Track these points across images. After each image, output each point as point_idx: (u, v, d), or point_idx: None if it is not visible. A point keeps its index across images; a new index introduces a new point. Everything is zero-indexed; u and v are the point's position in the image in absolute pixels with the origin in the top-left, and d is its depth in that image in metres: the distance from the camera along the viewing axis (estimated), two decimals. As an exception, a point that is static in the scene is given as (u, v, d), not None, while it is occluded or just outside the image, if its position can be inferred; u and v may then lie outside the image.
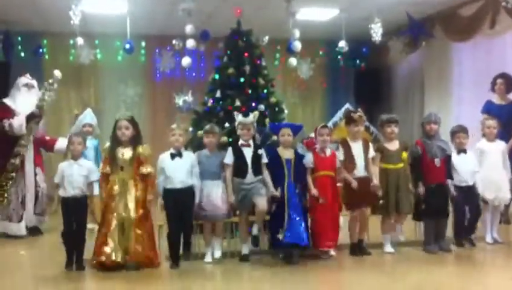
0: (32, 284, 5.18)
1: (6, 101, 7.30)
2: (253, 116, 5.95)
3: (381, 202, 5.99)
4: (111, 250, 5.41)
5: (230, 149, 5.89)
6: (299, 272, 5.46)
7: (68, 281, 5.17)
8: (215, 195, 5.72)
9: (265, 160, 5.86)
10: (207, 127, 5.97)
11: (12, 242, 6.94)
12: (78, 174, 5.53)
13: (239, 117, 5.95)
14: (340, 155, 5.98)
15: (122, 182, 5.55)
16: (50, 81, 7.28)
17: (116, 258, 5.41)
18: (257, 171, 5.82)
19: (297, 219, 5.68)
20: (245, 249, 5.87)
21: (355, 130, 6.06)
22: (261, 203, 5.70)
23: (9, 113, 7.14)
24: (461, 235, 6.36)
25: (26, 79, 7.43)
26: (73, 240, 5.48)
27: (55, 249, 5.57)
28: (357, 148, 6.01)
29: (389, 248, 6.09)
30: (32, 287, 5.12)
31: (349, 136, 6.12)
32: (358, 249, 6.00)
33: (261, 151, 5.88)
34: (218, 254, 5.83)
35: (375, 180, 5.92)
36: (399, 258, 5.96)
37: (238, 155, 5.82)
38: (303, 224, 5.69)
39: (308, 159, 5.92)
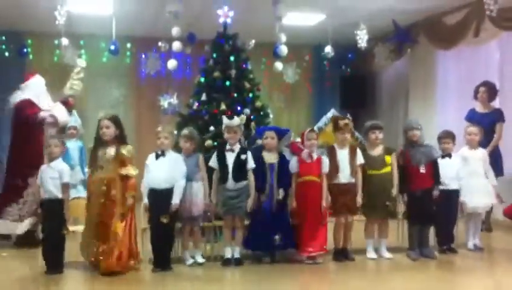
0: (10, 287, 5.10)
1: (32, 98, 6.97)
2: (240, 120, 5.92)
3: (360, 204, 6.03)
4: (94, 251, 5.41)
5: (215, 153, 5.88)
6: (283, 277, 5.45)
7: (47, 285, 5.11)
8: (190, 197, 5.69)
9: (251, 165, 5.82)
10: (185, 131, 5.90)
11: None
12: (48, 176, 5.48)
13: (225, 120, 5.93)
14: (327, 162, 5.97)
15: (100, 181, 5.49)
16: (76, 70, 7.18)
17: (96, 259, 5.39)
18: (239, 177, 5.78)
19: (266, 226, 5.76)
20: (227, 253, 5.85)
21: (341, 137, 6.07)
22: (238, 221, 5.80)
23: (38, 108, 6.79)
24: (443, 243, 6.39)
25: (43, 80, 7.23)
26: (50, 243, 5.42)
27: (38, 252, 5.50)
28: (343, 154, 6.02)
29: (371, 254, 6.11)
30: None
31: (336, 143, 6.13)
32: (341, 254, 6.01)
33: (245, 156, 5.82)
34: (200, 260, 5.82)
35: (359, 191, 5.96)
36: (382, 264, 5.99)
37: (221, 160, 5.80)
38: (274, 231, 5.76)
39: (293, 164, 5.93)
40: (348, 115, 6.27)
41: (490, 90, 7.91)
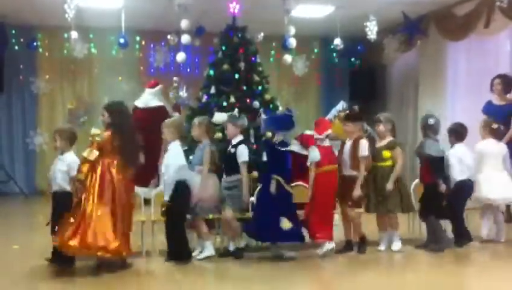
0: (20, 280, 5.12)
1: None
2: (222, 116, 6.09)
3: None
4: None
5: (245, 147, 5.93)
6: (289, 269, 5.44)
7: (58, 277, 5.13)
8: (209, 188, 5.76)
9: (243, 159, 5.76)
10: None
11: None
12: (58, 169, 5.44)
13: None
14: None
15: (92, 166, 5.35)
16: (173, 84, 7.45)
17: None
18: (229, 171, 5.83)
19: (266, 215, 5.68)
20: (231, 246, 5.87)
21: (344, 128, 6.13)
22: (225, 213, 5.77)
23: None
24: (461, 234, 6.33)
25: None
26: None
27: (48, 245, 5.53)
28: (347, 147, 6.03)
29: (381, 246, 6.10)
30: (10, 282, 5.03)
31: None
32: (346, 247, 6.03)
33: (234, 149, 5.79)
34: (211, 252, 5.78)
35: (357, 184, 5.87)
36: (394, 257, 5.96)
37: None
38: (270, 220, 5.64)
39: (315, 153, 5.86)
40: (355, 107, 6.24)
41: (505, 83, 7.83)
